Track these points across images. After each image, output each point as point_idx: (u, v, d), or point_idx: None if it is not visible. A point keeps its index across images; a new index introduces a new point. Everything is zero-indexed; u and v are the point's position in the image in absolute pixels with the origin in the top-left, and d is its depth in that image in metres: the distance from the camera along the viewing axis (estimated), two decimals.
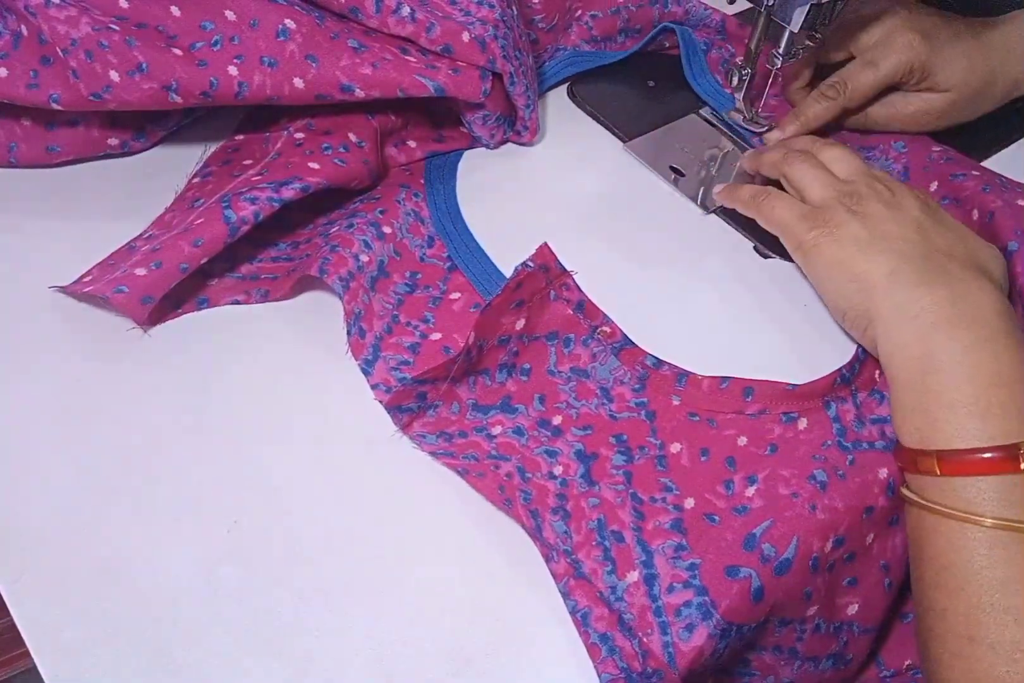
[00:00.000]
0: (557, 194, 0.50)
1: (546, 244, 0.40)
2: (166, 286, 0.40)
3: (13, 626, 0.33)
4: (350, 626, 0.34)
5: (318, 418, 0.40)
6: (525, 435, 0.39)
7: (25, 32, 0.42)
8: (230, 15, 0.43)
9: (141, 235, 0.44)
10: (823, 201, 0.43)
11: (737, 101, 0.53)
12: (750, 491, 0.37)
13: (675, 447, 0.39)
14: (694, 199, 0.50)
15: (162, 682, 0.33)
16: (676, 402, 0.40)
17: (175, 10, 0.43)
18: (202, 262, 0.41)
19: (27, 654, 0.33)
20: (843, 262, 0.40)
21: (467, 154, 0.52)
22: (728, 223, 0.50)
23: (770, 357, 0.43)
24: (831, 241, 0.41)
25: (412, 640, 0.34)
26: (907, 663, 0.41)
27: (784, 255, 0.48)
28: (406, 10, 0.44)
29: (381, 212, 0.46)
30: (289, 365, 0.42)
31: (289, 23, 0.43)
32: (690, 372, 0.41)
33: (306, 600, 0.35)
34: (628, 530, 0.36)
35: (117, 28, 0.42)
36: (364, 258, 0.43)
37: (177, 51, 0.42)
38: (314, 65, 0.43)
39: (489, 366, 0.40)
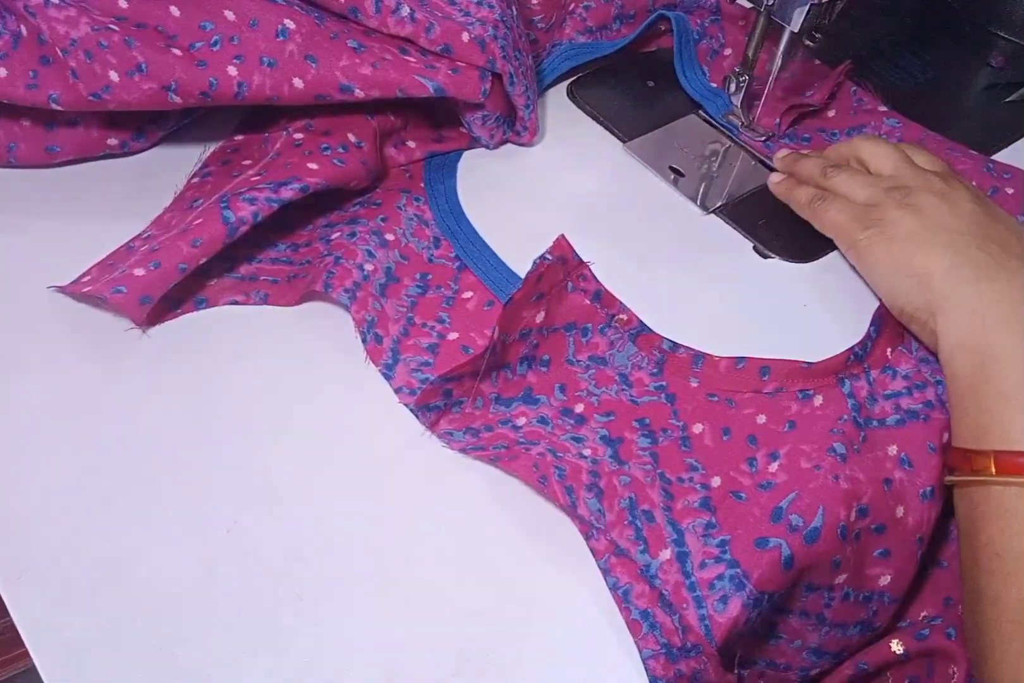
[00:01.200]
0: (557, 194, 0.50)
1: (563, 236, 0.40)
2: (164, 286, 0.40)
3: (13, 626, 0.33)
4: (350, 626, 0.34)
5: (318, 418, 0.40)
6: (550, 424, 0.39)
7: (25, 32, 0.42)
8: (229, 15, 0.43)
9: (140, 235, 0.44)
10: (872, 199, 0.42)
11: (735, 107, 0.53)
12: (773, 467, 0.38)
13: (697, 427, 0.39)
14: (694, 199, 0.50)
15: (162, 682, 0.33)
16: (695, 384, 0.41)
17: (175, 10, 0.43)
18: (201, 262, 0.41)
19: (27, 654, 0.33)
20: (899, 259, 0.40)
21: (466, 154, 0.52)
22: (728, 223, 0.50)
23: (770, 357, 0.43)
24: (884, 239, 0.40)
25: (412, 640, 0.34)
26: (923, 614, 0.42)
27: (784, 255, 0.48)
28: (406, 10, 0.44)
29: (383, 220, 0.46)
30: (289, 365, 0.42)
31: (289, 23, 0.43)
32: (706, 354, 0.41)
33: (306, 600, 0.35)
34: (658, 509, 0.36)
35: (116, 28, 0.42)
36: (369, 267, 0.43)
37: (176, 51, 0.42)
38: (314, 65, 0.43)
39: (511, 360, 0.40)
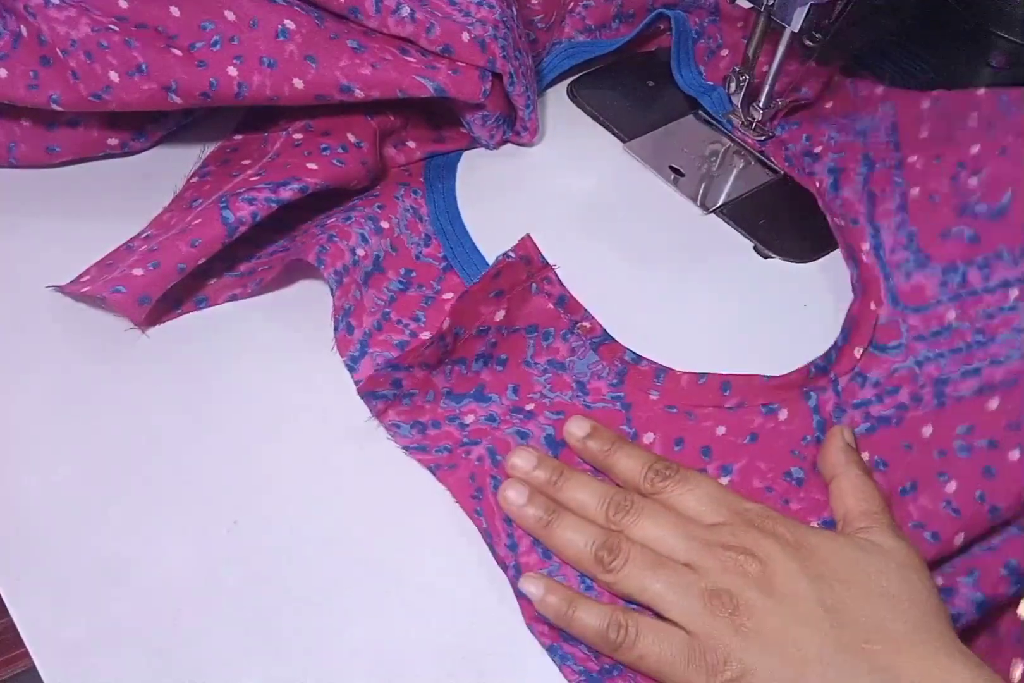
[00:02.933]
0: (556, 194, 0.50)
1: (528, 236, 0.40)
2: (163, 286, 0.40)
3: (13, 626, 0.33)
4: (350, 626, 0.34)
5: (318, 418, 0.40)
6: (497, 420, 0.39)
7: (25, 33, 0.42)
8: (230, 15, 0.43)
9: (139, 235, 0.44)
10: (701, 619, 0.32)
11: (735, 107, 0.53)
12: (724, 481, 0.37)
13: (648, 437, 0.39)
14: (693, 199, 0.50)
15: (162, 682, 0.33)
16: (654, 397, 0.40)
17: (175, 10, 0.43)
18: (200, 262, 0.41)
19: (27, 654, 0.33)
20: None
21: (466, 154, 0.52)
22: (728, 223, 0.50)
23: (769, 357, 0.43)
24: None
25: (412, 640, 0.34)
26: None
27: (784, 255, 0.48)
28: (406, 10, 0.44)
29: (379, 207, 0.46)
30: (289, 365, 0.42)
31: (289, 23, 0.43)
32: (669, 368, 0.41)
33: (306, 600, 0.35)
34: None
35: (117, 29, 0.42)
36: (360, 252, 0.43)
37: (177, 51, 0.42)
38: (314, 66, 0.44)
39: (466, 356, 0.40)
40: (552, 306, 0.41)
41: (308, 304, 0.44)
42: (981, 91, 0.44)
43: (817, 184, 0.49)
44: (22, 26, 0.42)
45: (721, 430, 0.39)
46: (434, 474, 0.38)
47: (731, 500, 0.35)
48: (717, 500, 0.35)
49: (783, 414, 0.39)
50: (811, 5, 0.45)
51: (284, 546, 0.36)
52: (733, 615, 0.31)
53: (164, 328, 0.42)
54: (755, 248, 0.49)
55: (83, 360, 0.41)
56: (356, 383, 0.40)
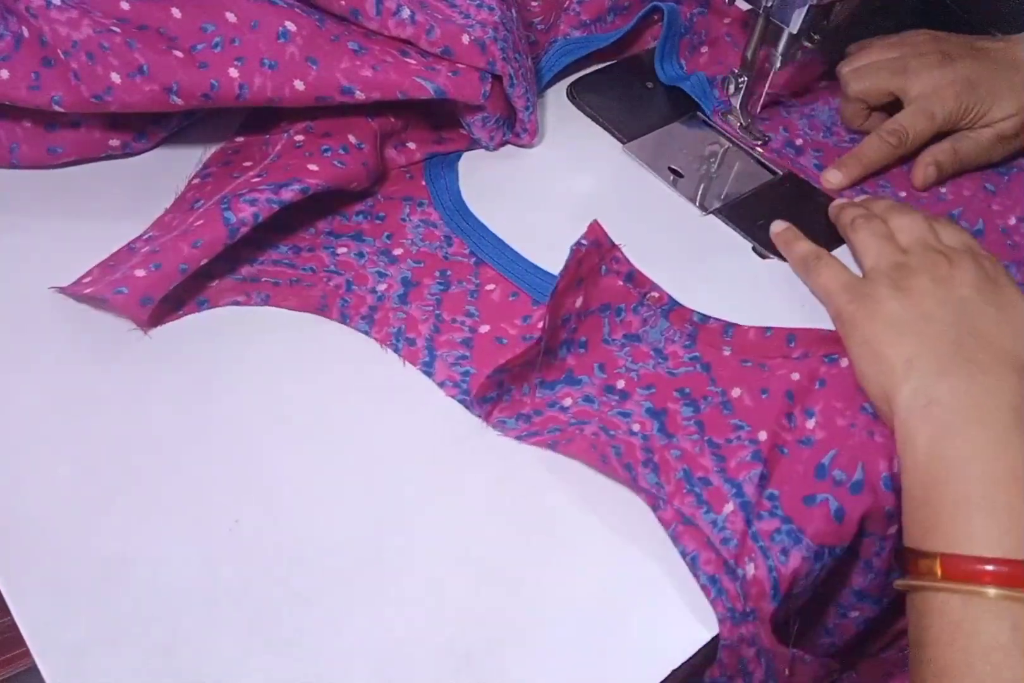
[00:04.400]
0: (556, 195, 0.50)
1: (596, 221, 0.41)
2: (165, 287, 0.40)
3: (14, 625, 0.34)
4: (350, 625, 0.35)
5: (318, 418, 0.40)
6: (595, 402, 0.41)
7: (27, 34, 0.43)
8: (231, 17, 0.43)
9: (141, 236, 0.45)
10: (872, 272, 0.42)
11: (733, 109, 0.53)
12: (811, 423, 0.39)
13: (736, 391, 0.41)
14: (693, 200, 0.50)
15: (162, 682, 0.33)
16: (727, 352, 0.42)
17: (176, 12, 0.43)
18: (201, 263, 0.41)
19: (27, 653, 0.33)
20: (871, 342, 0.39)
21: (466, 155, 0.52)
22: (727, 223, 0.50)
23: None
24: (866, 316, 0.40)
25: (412, 640, 0.34)
26: None
27: (782, 256, 0.48)
28: (406, 12, 0.45)
29: (388, 237, 0.47)
30: (289, 365, 0.42)
31: (290, 25, 0.43)
32: (735, 324, 0.43)
33: (306, 600, 0.35)
34: (713, 474, 0.38)
35: (118, 30, 0.42)
36: (382, 287, 0.44)
37: (178, 53, 0.43)
38: (314, 67, 0.44)
39: (553, 345, 0.41)
40: (622, 283, 0.43)
41: None
42: None
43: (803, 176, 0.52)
44: (24, 27, 0.43)
45: (796, 376, 0.41)
46: (554, 450, 0.39)
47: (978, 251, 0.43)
48: (967, 244, 0.43)
49: (844, 362, 0.41)
50: (810, 6, 0.45)
51: (284, 546, 0.36)
52: (901, 279, 0.40)
53: (164, 328, 0.42)
54: (754, 248, 0.49)
55: (84, 360, 0.41)
56: (440, 385, 0.41)
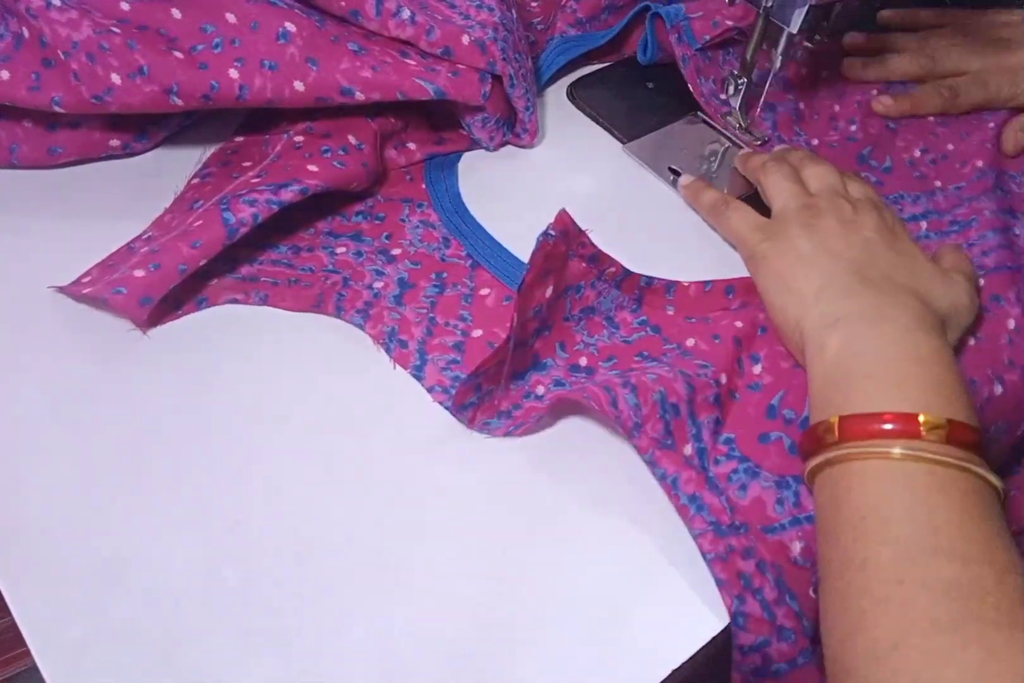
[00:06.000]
0: (556, 195, 0.50)
1: (564, 210, 0.41)
2: (165, 287, 0.40)
3: (14, 625, 0.34)
4: (350, 626, 0.35)
5: (318, 417, 0.40)
6: (566, 384, 0.41)
7: (27, 35, 0.43)
8: (231, 18, 0.43)
9: (140, 236, 0.45)
10: (782, 213, 0.44)
11: (733, 110, 0.53)
12: (757, 369, 0.41)
13: (690, 341, 0.43)
14: None
15: (162, 682, 0.33)
16: (671, 312, 0.44)
17: (176, 13, 0.43)
18: (200, 264, 0.41)
19: (28, 653, 0.33)
20: (783, 275, 0.41)
21: (466, 156, 0.52)
22: None
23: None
24: (777, 254, 0.42)
25: (412, 640, 0.34)
26: None
27: None
28: (406, 13, 0.45)
29: (387, 237, 0.47)
30: (289, 364, 0.42)
31: (289, 26, 0.43)
32: (677, 281, 0.44)
33: (306, 600, 0.35)
34: (683, 403, 0.38)
35: (118, 31, 0.42)
36: (378, 284, 0.44)
37: (178, 54, 0.43)
38: (314, 68, 0.44)
39: (524, 337, 0.41)
40: (585, 265, 0.43)
41: None
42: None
43: None
44: (24, 28, 0.43)
45: (739, 323, 0.43)
46: (548, 413, 0.40)
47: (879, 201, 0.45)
48: (870, 197, 0.45)
49: None
50: (810, 6, 0.45)
51: (285, 546, 0.36)
52: (809, 218, 0.42)
53: (164, 328, 0.42)
54: None
55: (83, 360, 0.41)
56: (429, 390, 0.41)
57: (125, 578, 0.35)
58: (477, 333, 0.43)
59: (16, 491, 0.37)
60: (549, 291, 0.41)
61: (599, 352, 0.42)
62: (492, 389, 0.40)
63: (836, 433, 0.34)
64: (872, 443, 0.33)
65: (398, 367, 0.42)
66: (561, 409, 0.41)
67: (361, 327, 0.43)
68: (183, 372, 0.41)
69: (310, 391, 0.41)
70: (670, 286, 0.44)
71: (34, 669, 0.33)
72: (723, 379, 0.40)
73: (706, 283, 0.44)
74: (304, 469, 0.39)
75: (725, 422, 0.39)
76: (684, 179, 0.50)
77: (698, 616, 0.35)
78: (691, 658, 0.34)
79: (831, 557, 0.33)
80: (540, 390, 0.41)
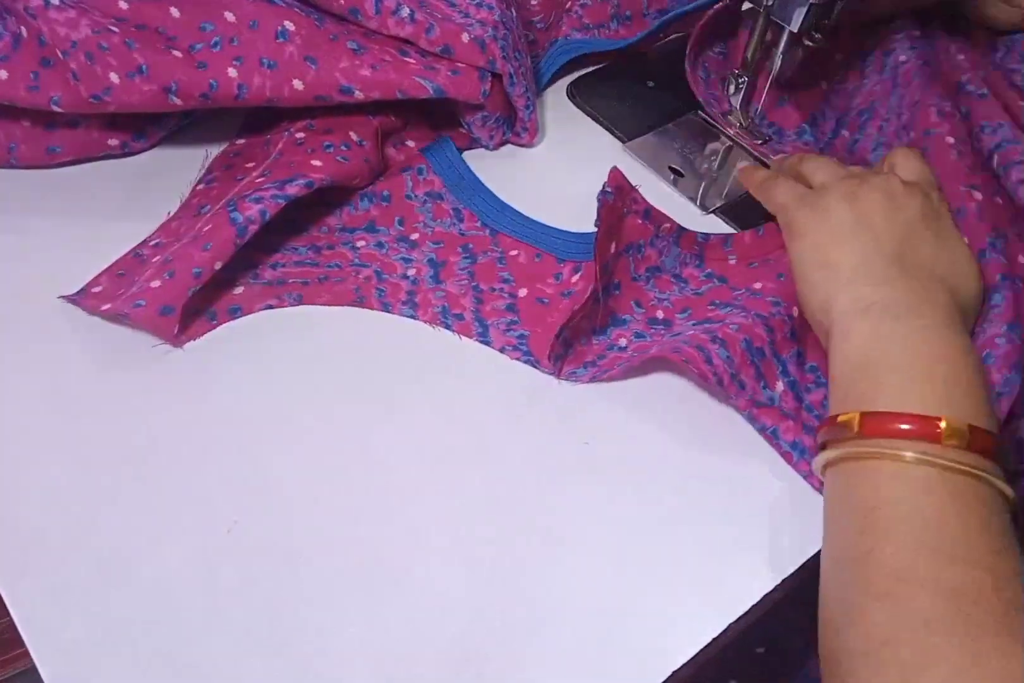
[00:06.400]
0: (556, 194, 0.50)
1: (616, 167, 0.43)
2: (183, 294, 0.40)
3: (13, 626, 0.34)
4: (350, 626, 0.34)
5: (318, 417, 0.40)
6: (646, 336, 0.43)
7: (25, 34, 0.43)
8: (229, 16, 0.43)
9: (147, 242, 0.44)
10: (826, 183, 0.42)
11: (734, 109, 0.53)
12: None
13: (757, 284, 0.44)
14: (693, 199, 0.50)
15: (162, 682, 0.33)
16: (733, 261, 0.46)
17: (174, 11, 0.43)
18: (216, 266, 0.41)
19: (27, 654, 0.33)
20: (819, 247, 0.39)
21: (466, 155, 0.52)
22: (727, 223, 0.50)
23: None
24: (817, 222, 0.40)
25: (412, 640, 0.34)
26: None
27: None
28: (405, 11, 0.45)
29: (400, 222, 0.47)
30: (288, 365, 0.42)
31: (288, 25, 0.43)
32: (730, 234, 0.46)
33: (306, 600, 0.35)
34: (767, 345, 0.40)
35: (117, 30, 0.42)
36: (411, 271, 0.45)
37: (177, 53, 0.43)
38: (313, 67, 0.44)
39: (598, 292, 0.42)
40: (640, 221, 0.44)
41: (307, 305, 0.44)
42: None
43: None
44: (22, 27, 0.42)
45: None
46: (636, 363, 0.41)
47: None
48: (927, 178, 0.43)
49: None
50: (811, 5, 0.45)
51: (284, 546, 0.36)
52: (854, 189, 0.40)
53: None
54: None
55: (83, 359, 0.41)
56: (500, 351, 0.43)
57: (124, 578, 0.35)
58: (523, 292, 0.44)
59: (16, 491, 0.37)
60: (613, 247, 0.43)
61: (673, 305, 0.44)
62: (575, 342, 0.42)
63: (856, 428, 0.34)
64: (890, 443, 0.33)
65: (443, 353, 0.42)
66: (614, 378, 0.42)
67: (414, 317, 0.43)
68: (183, 371, 0.41)
69: (309, 391, 0.41)
70: (727, 239, 0.46)
71: (33, 669, 0.33)
72: (795, 312, 0.41)
73: (758, 229, 0.46)
74: (303, 469, 0.38)
75: (806, 352, 0.41)
76: (742, 163, 0.52)
77: (698, 616, 0.35)
78: (691, 658, 0.34)
79: (835, 548, 0.33)
80: (623, 341, 0.43)
